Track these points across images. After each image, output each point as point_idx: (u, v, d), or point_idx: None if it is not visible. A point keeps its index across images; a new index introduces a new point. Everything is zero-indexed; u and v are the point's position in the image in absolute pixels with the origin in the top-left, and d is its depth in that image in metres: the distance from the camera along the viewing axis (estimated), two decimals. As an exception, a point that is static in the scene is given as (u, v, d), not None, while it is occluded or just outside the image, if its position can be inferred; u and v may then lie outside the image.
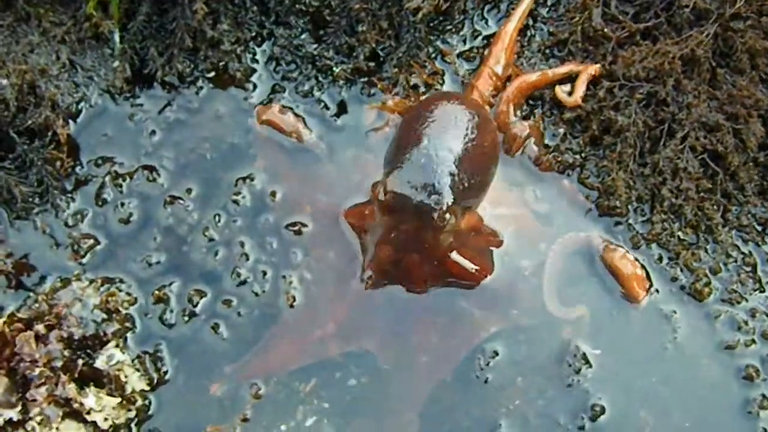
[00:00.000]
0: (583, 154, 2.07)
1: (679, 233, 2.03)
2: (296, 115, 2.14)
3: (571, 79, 2.10)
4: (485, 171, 1.84)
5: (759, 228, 2.06)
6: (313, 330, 1.94)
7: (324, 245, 2.01)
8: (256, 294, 2.01)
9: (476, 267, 1.89)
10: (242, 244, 2.04)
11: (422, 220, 1.70)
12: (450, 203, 1.69)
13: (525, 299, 1.96)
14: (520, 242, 1.98)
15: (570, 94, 2.07)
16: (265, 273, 2.03)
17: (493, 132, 1.90)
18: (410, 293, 1.92)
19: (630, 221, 2.04)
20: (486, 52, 2.16)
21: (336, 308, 1.95)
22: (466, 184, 1.73)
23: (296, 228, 2.05)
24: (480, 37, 2.21)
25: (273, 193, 2.07)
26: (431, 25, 2.18)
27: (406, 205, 1.69)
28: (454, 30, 2.21)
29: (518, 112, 2.11)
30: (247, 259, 2.03)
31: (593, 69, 2.05)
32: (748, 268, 2.03)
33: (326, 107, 2.16)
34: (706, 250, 2.03)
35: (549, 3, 2.20)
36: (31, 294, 2.00)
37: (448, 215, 1.69)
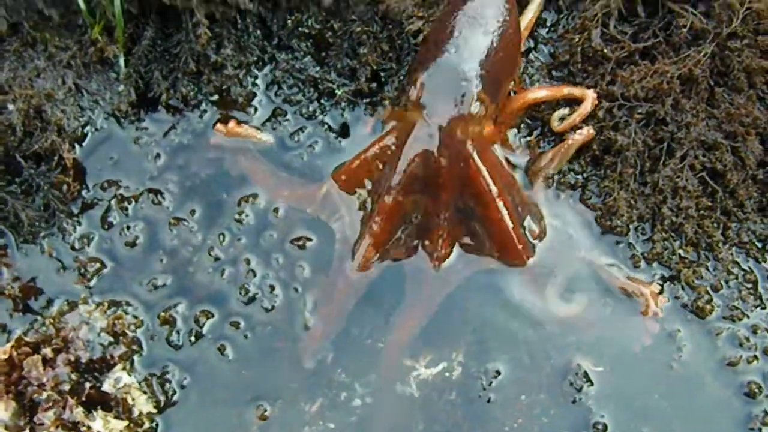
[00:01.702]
0: (584, 175, 2.09)
1: (680, 251, 2.05)
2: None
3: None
4: (512, 59, 1.92)
5: (759, 244, 2.08)
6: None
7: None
8: (267, 309, 2.03)
9: (493, 182, 1.89)
10: (248, 262, 2.06)
11: (452, 110, 1.78)
12: (479, 90, 1.78)
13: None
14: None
15: (561, 120, 2.09)
16: (273, 288, 2.04)
17: (516, 20, 1.94)
18: (435, 209, 1.93)
19: (631, 240, 2.05)
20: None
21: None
22: (490, 79, 1.82)
23: (301, 242, 2.06)
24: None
25: (276, 210, 2.08)
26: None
27: (437, 95, 1.79)
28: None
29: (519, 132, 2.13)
30: (255, 276, 2.04)
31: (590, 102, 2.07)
32: (749, 285, 2.05)
33: (330, 129, 2.17)
34: (707, 268, 2.05)
35: (548, 24, 2.22)
36: (38, 317, 2.02)
37: (477, 101, 1.78)
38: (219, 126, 2.12)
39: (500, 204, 1.91)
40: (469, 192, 1.91)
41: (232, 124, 2.11)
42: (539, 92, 2.10)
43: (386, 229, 1.96)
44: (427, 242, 2.01)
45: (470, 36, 1.84)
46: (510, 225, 1.93)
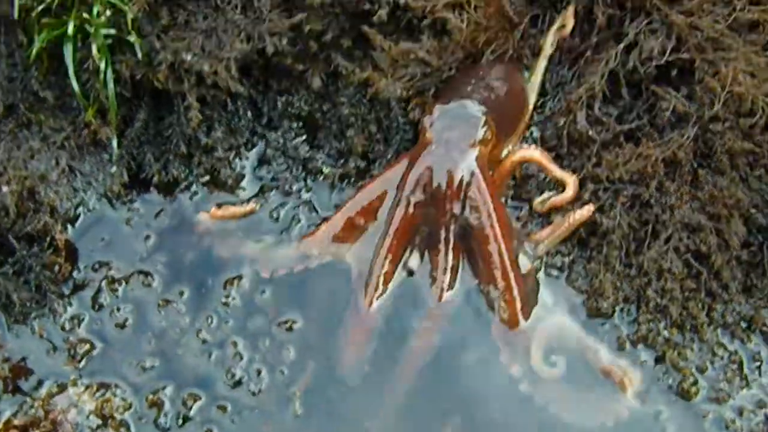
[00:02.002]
0: (571, 257, 2.11)
1: (665, 333, 2.06)
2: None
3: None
4: (513, 113, 2.12)
5: (744, 325, 2.09)
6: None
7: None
8: (253, 393, 2.04)
9: (494, 203, 1.99)
10: (235, 345, 2.08)
11: (460, 132, 1.97)
12: (485, 116, 1.98)
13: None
14: None
15: (543, 202, 2.12)
16: (259, 371, 2.06)
17: (521, 87, 2.17)
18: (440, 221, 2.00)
19: (616, 322, 2.07)
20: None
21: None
22: (497, 116, 2.01)
23: (288, 325, 2.08)
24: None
25: (263, 292, 2.10)
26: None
27: (448, 120, 1.98)
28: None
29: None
30: (241, 359, 2.06)
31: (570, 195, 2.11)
32: (735, 366, 2.06)
33: (314, 210, 2.21)
34: (692, 349, 2.06)
35: (537, 104, 2.25)
36: (28, 399, 2.03)
37: (485, 126, 1.97)
38: (202, 214, 2.16)
39: (499, 235, 1.99)
40: (471, 212, 2.00)
41: (213, 209, 2.14)
42: (534, 152, 2.13)
43: (400, 243, 2.04)
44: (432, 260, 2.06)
45: (480, 86, 2.07)
46: (510, 272, 1.99)
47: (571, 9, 2.20)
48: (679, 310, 2.07)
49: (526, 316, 2.01)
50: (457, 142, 1.99)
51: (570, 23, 2.21)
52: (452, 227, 2.02)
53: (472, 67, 2.18)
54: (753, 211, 2.09)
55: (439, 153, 1.99)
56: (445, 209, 2.01)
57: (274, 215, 2.22)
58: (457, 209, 2.00)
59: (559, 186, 2.13)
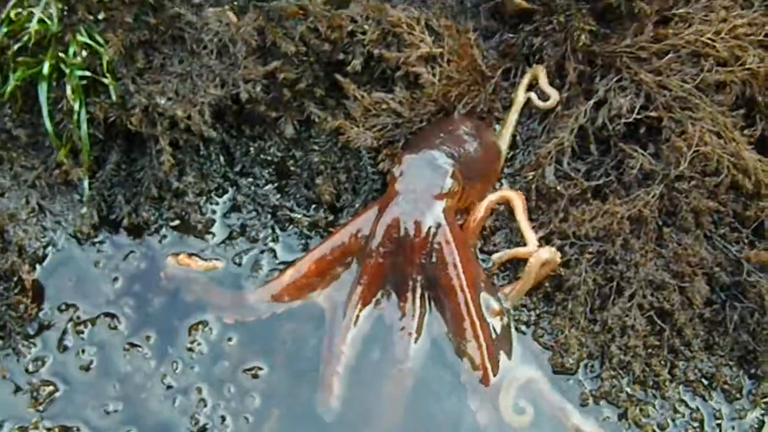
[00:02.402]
0: (537, 311, 2.13)
1: (628, 389, 2.08)
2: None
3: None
4: (482, 167, 2.15)
5: (705, 382, 2.11)
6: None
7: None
8: (216, 440, 2.04)
9: (460, 254, 2.01)
10: (200, 391, 2.08)
11: (428, 183, 2.00)
12: (453, 169, 2.01)
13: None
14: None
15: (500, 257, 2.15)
16: (224, 418, 2.05)
17: (492, 144, 2.20)
18: (407, 270, 2.03)
19: (580, 378, 2.08)
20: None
21: None
22: (465, 169, 2.05)
23: (253, 372, 2.08)
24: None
25: (229, 339, 2.11)
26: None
27: (416, 170, 2.01)
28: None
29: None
30: (206, 406, 2.06)
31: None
32: (696, 424, 2.08)
33: (276, 258, 2.23)
34: (654, 406, 2.08)
35: (507, 157, 2.28)
36: (-13, 441, 2.02)
37: (451, 177, 2.00)
38: (170, 259, 2.16)
39: (464, 283, 2.00)
40: (437, 262, 2.02)
41: (182, 256, 2.14)
42: (511, 192, 2.18)
43: (370, 291, 2.06)
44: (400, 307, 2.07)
45: (449, 138, 2.08)
46: (472, 310, 2.00)
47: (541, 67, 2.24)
48: (642, 366, 2.09)
49: (495, 366, 2.02)
50: (423, 194, 2.02)
51: (542, 78, 2.24)
52: (419, 278, 2.04)
53: (443, 120, 2.21)
54: (716, 269, 2.12)
55: (407, 204, 2.02)
56: (412, 260, 2.03)
57: (237, 261, 2.22)
58: (423, 260, 2.02)
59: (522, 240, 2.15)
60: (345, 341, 2.05)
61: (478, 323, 2.01)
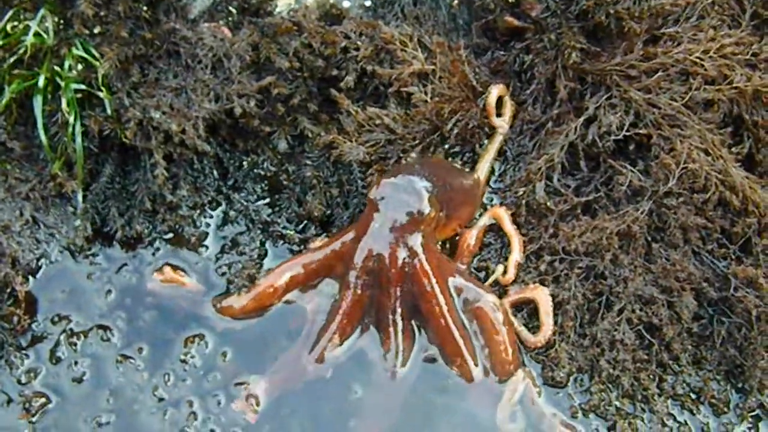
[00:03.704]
0: (529, 327, 2.14)
1: (617, 403, 2.10)
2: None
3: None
4: (459, 199, 2.14)
5: (693, 396, 2.14)
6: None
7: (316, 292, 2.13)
8: (206, 453, 2.05)
9: (437, 280, 2.02)
10: (191, 404, 2.08)
11: (406, 208, 1.98)
12: (429, 195, 2.00)
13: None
14: None
15: (504, 273, 2.17)
16: (213, 432, 2.07)
17: (468, 180, 2.20)
18: (386, 303, 2.03)
19: (570, 391, 2.10)
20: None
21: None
22: (442, 197, 2.04)
23: (244, 386, 2.09)
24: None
25: (224, 354, 2.12)
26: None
27: (393, 196, 1.99)
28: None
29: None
30: (196, 419, 2.07)
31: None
32: (684, 437, 2.10)
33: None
34: (642, 420, 2.10)
35: (497, 173, 2.31)
36: (-22, 454, 2.02)
37: (428, 205, 1.98)
38: (155, 275, 2.18)
39: (445, 309, 2.02)
40: (416, 290, 2.03)
41: (167, 272, 2.16)
42: (498, 209, 2.19)
43: (349, 323, 2.06)
44: (383, 339, 2.08)
45: (423, 169, 2.08)
46: (450, 321, 2.02)
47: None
48: (631, 380, 2.11)
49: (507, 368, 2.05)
50: (400, 221, 2.01)
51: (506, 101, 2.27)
52: (399, 309, 2.05)
53: (421, 158, 2.22)
54: (704, 284, 2.15)
55: (383, 234, 2.01)
56: (389, 292, 2.04)
57: (220, 271, 2.23)
58: (401, 291, 2.04)
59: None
60: (312, 362, 2.05)
61: (461, 342, 2.03)
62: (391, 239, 1.99)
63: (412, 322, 2.07)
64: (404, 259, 1.99)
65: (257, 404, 2.00)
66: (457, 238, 2.19)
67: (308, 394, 2.02)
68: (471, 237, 2.17)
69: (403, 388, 2.02)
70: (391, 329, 2.03)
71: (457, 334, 2.01)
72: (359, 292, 2.03)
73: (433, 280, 2.00)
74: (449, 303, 2.02)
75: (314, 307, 2.11)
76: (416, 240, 2.00)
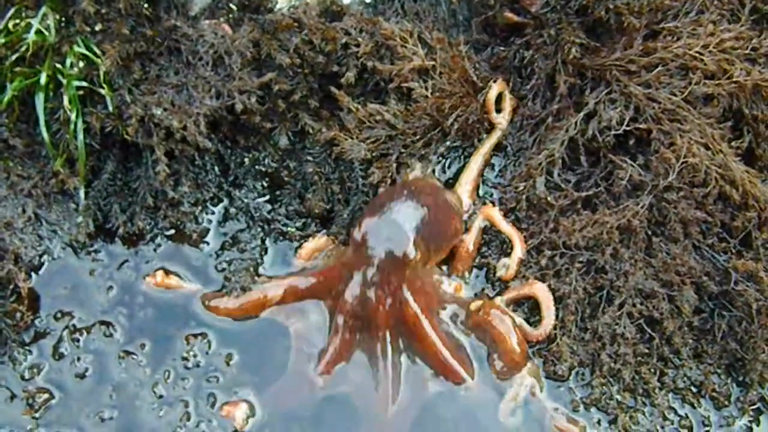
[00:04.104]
0: (530, 322, 2.15)
1: (618, 396, 2.11)
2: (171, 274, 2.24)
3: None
4: (445, 229, 2.10)
5: (695, 390, 2.14)
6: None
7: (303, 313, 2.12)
8: (191, 457, 2.04)
9: (427, 318, 2.01)
10: (186, 404, 2.09)
11: (390, 252, 1.94)
12: (414, 237, 1.95)
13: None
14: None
15: (506, 268, 2.17)
16: (202, 436, 2.06)
17: (454, 206, 2.16)
18: (373, 339, 2.02)
19: (571, 385, 2.11)
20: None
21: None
22: (428, 233, 2.00)
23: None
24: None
25: (229, 356, 2.12)
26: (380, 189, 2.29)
27: (377, 239, 1.95)
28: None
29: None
30: (189, 420, 2.07)
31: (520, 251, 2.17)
32: (685, 431, 2.11)
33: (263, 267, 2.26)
34: (643, 413, 2.11)
35: (497, 169, 2.31)
36: (-17, 448, 2.03)
37: (413, 248, 1.94)
38: (148, 279, 2.20)
39: (435, 339, 2.03)
40: (405, 330, 2.03)
41: (160, 274, 2.18)
42: (490, 210, 2.19)
43: (338, 361, 2.07)
44: (374, 374, 2.08)
45: (409, 201, 2.03)
46: (446, 354, 2.03)
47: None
48: (632, 374, 2.11)
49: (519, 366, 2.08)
50: (385, 266, 1.98)
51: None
52: (388, 349, 2.05)
53: (402, 183, 2.19)
54: (705, 278, 2.15)
55: (368, 278, 1.98)
56: (377, 334, 2.04)
57: (219, 267, 2.24)
58: (390, 333, 2.04)
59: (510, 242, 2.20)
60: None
61: (455, 365, 2.05)
62: (376, 284, 1.98)
63: (403, 356, 2.07)
64: (390, 303, 1.99)
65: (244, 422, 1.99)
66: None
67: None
68: (468, 243, 2.18)
69: (398, 423, 2.01)
70: (381, 364, 2.03)
71: (456, 367, 2.03)
72: (347, 336, 2.03)
73: (424, 321, 2.00)
74: (443, 338, 2.03)
75: (298, 331, 2.10)
76: (401, 283, 1.99)
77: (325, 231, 2.26)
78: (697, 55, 2.19)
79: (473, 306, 2.11)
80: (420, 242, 1.97)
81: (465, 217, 2.24)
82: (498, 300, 2.14)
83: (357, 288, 2.00)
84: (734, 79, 2.19)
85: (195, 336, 2.14)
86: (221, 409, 2.04)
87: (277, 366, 2.10)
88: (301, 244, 2.25)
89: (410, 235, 1.95)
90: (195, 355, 2.12)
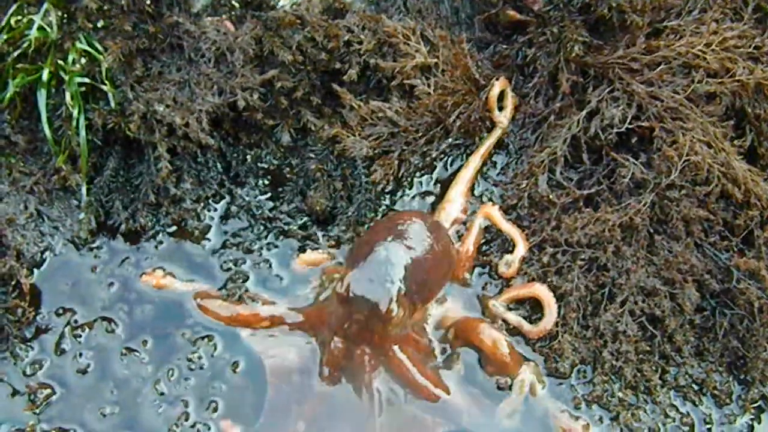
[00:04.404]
0: (530, 319, 2.15)
1: (620, 394, 2.11)
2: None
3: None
4: (435, 277, 2.03)
5: (696, 388, 2.14)
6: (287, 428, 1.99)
7: (283, 347, 2.08)
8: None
9: (416, 368, 2.00)
10: (186, 404, 2.08)
11: (374, 311, 1.89)
12: (398, 296, 1.89)
13: (475, 408, 2.03)
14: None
15: (508, 265, 2.17)
16: (198, 438, 2.05)
17: (445, 246, 2.08)
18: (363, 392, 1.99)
19: (572, 383, 2.11)
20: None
21: (303, 408, 2.01)
22: (415, 286, 1.94)
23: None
24: (430, 197, 2.32)
25: (236, 364, 2.12)
26: (382, 188, 2.29)
27: (361, 296, 1.89)
28: (403, 193, 2.32)
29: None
30: (186, 420, 2.07)
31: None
32: (686, 428, 2.11)
33: (270, 266, 2.25)
34: (645, 411, 2.11)
35: (499, 166, 2.31)
36: (-17, 445, 2.03)
37: (396, 307, 1.88)
38: (145, 278, 2.19)
39: (420, 378, 2.02)
40: (393, 373, 2.02)
41: (159, 273, 2.19)
42: (491, 208, 2.19)
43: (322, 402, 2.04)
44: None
45: (397, 248, 1.97)
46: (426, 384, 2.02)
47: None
48: (634, 371, 2.11)
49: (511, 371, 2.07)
50: (369, 324, 1.93)
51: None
52: (375, 397, 2.01)
53: (393, 219, 2.11)
54: (706, 276, 2.15)
55: (352, 333, 1.95)
56: (363, 380, 2.01)
57: (224, 267, 2.24)
58: (375, 375, 2.02)
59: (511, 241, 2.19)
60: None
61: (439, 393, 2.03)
62: (360, 339, 1.95)
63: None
64: (376, 357, 1.98)
65: None
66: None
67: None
68: (468, 245, 2.17)
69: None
70: (366, 401, 2.00)
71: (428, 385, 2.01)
72: (333, 383, 2.01)
73: (411, 369, 1.99)
74: (432, 379, 2.01)
75: (273, 367, 2.06)
76: (387, 337, 1.96)
77: (324, 234, 2.24)
78: (699, 53, 2.19)
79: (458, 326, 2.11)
80: (404, 301, 1.92)
81: (464, 217, 2.22)
82: (493, 301, 2.12)
83: (339, 344, 1.98)
84: (737, 78, 2.19)
85: (202, 338, 2.13)
86: (222, 420, 2.01)
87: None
88: (303, 248, 2.24)
89: (394, 293, 1.91)
90: (200, 357, 2.11)
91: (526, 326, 2.11)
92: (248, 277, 2.23)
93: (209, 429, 2.05)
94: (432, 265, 2.02)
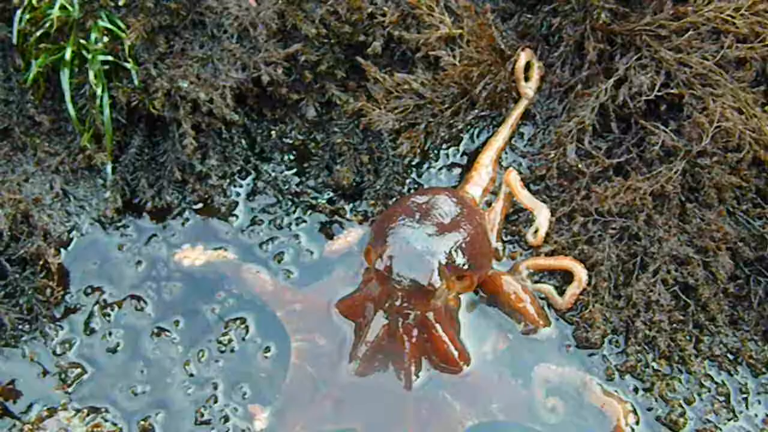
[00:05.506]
0: (562, 289, 2.13)
1: (654, 364, 2.08)
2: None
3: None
4: (472, 246, 1.97)
5: (731, 357, 2.11)
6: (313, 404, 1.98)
7: (315, 333, 2.06)
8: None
9: (458, 348, 1.97)
10: (215, 386, 2.07)
11: (415, 285, 1.85)
12: (440, 267, 1.85)
13: (505, 395, 2.01)
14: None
15: (534, 233, 2.15)
16: (227, 419, 2.04)
17: (473, 215, 2.05)
18: (398, 380, 1.96)
19: (605, 353, 2.08)
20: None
21: (330, 391, 1.99)
22: (455, 256, 1.90)
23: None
24: (457, 169, 2.30)
25: (267, 349, 2.11)
26: (409, 160, 2.27)
27: (401, 270, 1.85)
28: (430, 166, 2.30)
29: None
30: (215, 402, 2.06)
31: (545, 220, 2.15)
32: (722, 398, 2.08)
33: (299, 241, 2.24)
34: (680, 381, 2.08)
35: (526, 137, 2.29)
36: (17, 422, 2.03)
37: (439, 278, 1.84)
38: (177, 256, 2.18)
39: (456, 354, 1.99)
40: (434, 353, 1.99)
41: (186, 253, 2.17)
42: (511, 177, 2.17)
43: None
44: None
45: (428, 221, 1.95)
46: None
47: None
48: (667, 341, 2.08)
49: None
50: (410, 298, 1.89)
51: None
52: (414, 378, 1.97)
53: (421, 194, 2.07)
54: (740, 244, 2.12)
55: (393, 310, 1.90)
56: (403, 364, 1.97)
57: (264, 248, 2.23)
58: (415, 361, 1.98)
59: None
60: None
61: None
62: (402, 315, 1.90)
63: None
64: (418, 334, 1.93)
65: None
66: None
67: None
68: (495, 214, 2.15)
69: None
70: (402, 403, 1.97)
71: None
72: (366, 364, 1.96)
73: (452, 349, 1.96)
74: (463, 357, 2.00)
75: (300, 350, 2.03)
76: (429, 313, 1.92)
77: (352, 207, 2.22)
78: (728, 18, 2.16)
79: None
80: (444, 270, 1.88)
81: (491, 188, 2.20)
82: (522, 265, 2.10)
83: (382, 321, 1.93)
84: (767, 43, 2.15)
85: (234, 320, 2.12)
86: (250, 405, 2.00)
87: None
88: (331, 223, 2.25)
89: (434, 263, 1.87)
90: (231, 340, 2.10)
91: (554, 297, 2.08)
92: (283, 253, 2.19)
93: (237, 412, 2.01)
94: (470, 235, 1.97)
